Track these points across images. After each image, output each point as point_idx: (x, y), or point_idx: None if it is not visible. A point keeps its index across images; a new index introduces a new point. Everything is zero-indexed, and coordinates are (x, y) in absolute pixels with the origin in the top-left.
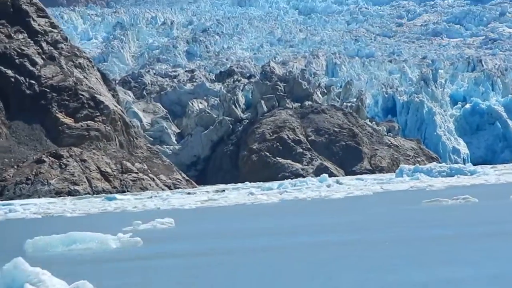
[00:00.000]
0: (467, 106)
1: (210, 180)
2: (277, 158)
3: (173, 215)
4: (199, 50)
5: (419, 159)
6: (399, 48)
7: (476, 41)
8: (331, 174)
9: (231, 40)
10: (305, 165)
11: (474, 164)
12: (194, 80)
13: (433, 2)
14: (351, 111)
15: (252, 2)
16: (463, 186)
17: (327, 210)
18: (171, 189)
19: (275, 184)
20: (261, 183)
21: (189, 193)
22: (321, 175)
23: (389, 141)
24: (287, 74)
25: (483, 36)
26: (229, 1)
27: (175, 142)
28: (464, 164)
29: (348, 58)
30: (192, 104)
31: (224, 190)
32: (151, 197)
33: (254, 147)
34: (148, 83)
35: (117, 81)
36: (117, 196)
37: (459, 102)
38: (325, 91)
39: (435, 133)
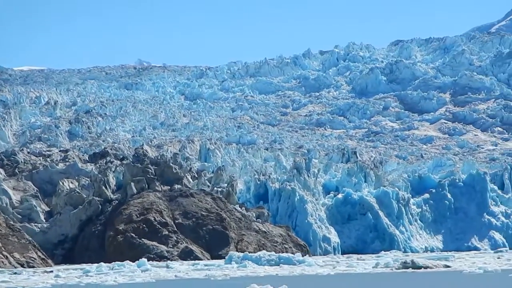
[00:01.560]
0: (339, 196)
1: (77, 259)
2: (143, 239)
3: None
4: (81, 131)
5: (286, 246)
6: (281, 137)
7: (359, 133)
8: (196, 258)
9: (113, 122)
10: (171, 247)
11: (344, 253)
12: (67, 160)
13: (318, 94)
14: (220, 196)
15: (139, 86)
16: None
17: None
18: (24, 267)
19: (93, 267)
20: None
21: (15, 273)
22: (140, 259)
23: (258, 227)
24: (159, 157)
25: (366, 128)
26: (116, 84)
27: (44, 221)
28: (334, 253)
29: (224, 144)
30: (63, 183)
31: (52, 271)
32: None
33: (120, 228)
34: (21, 161)
35: None
36: None
37: (332, 192)
38: (196, 176)
39: (306, 221)
